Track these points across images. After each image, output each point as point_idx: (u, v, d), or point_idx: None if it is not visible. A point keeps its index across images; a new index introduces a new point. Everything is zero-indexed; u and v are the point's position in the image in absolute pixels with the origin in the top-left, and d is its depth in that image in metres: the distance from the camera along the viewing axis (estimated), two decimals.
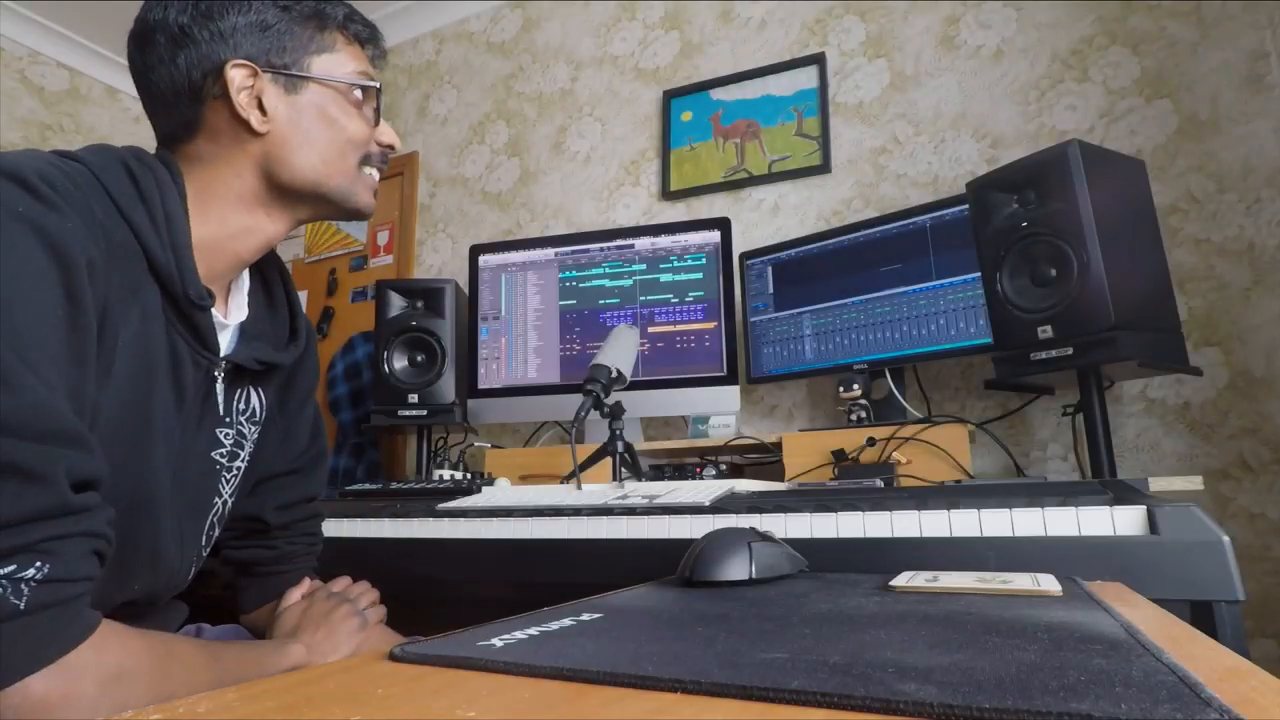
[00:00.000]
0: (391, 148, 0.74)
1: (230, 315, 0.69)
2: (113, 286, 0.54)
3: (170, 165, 0.63)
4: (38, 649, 0.44)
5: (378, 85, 0.72)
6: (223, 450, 0.70)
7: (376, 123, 0.72)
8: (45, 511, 0.44)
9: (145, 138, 0.66)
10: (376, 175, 0.74)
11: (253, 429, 0.74)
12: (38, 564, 0.43)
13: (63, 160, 0.56)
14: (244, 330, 0.70)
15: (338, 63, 0.69)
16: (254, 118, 0.64)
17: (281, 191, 0.67)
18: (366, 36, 0.73)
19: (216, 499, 0.71)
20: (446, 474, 1.50)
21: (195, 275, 0.61)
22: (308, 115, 0.67)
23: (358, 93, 0.70)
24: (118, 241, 0.55)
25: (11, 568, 0.42)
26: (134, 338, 0.57)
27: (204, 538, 0.71)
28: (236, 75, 0.64)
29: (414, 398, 1.76)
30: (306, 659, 0.69)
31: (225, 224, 0.65)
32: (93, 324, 0.51)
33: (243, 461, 0.73)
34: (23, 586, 0.43)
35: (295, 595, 0.80)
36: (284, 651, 0.67)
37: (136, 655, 0.50)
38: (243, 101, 0.64)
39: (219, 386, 0.68)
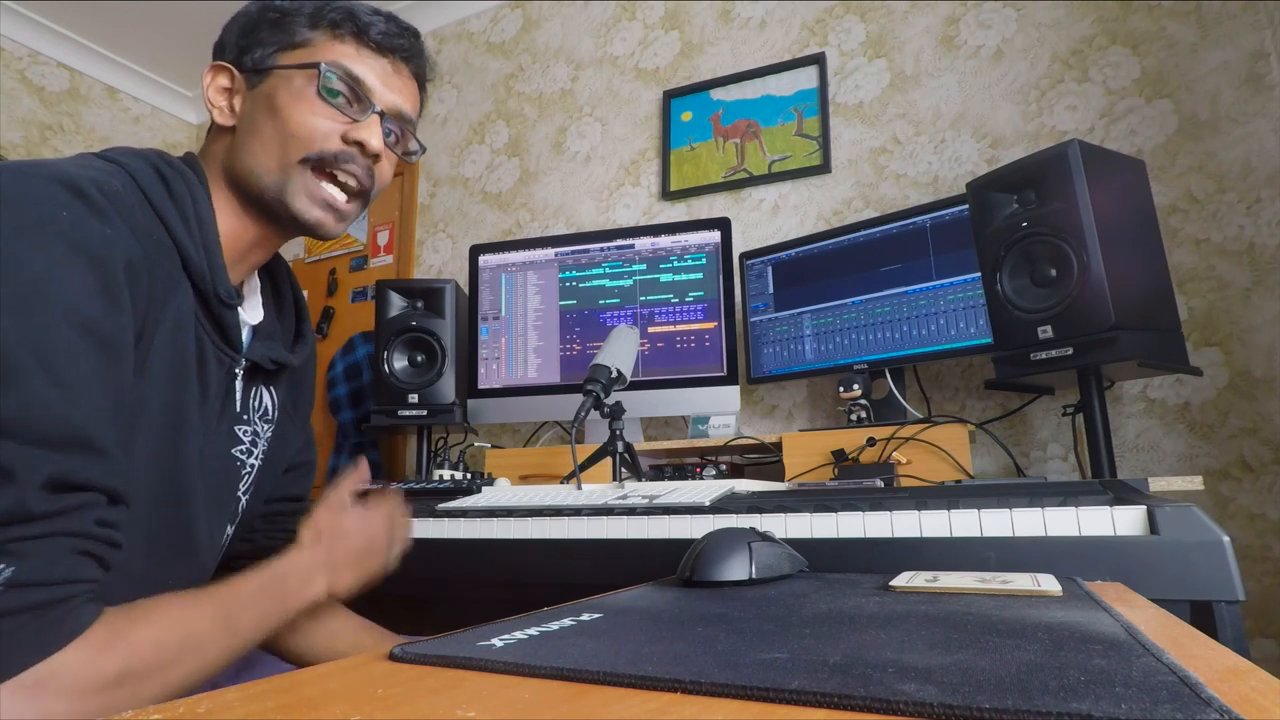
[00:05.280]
0: (361, 145, 0.65)
1: (247, 315, 0.70)
2: (155, 286, 0.55)
3: (197, 168, 0.64)
4: (6, 657, 0.42)
5: (321, 65, 0.63)
6: (242, 447, 0.71)
7: (353, 119, 0.65)
8: (9, 513, 0.43)
9: (145, 138, 0.67)
10: (332, 189, 0.66)
11: (266, 427, 0.75)
12: (0, 566, 0.42)
13: (103, 162, 0.57)
14: (257, 330, 0.72)
15: (304, 55, 0.64)
16: (215, 111, 0.66)
17: (238, 189, 0.66)
18: (354, 30, 0.65)
19: (236, 497, 0.72)
20: (446, 474, 1.50)
21: (225, 274, 0.62)
22: (260, 107, 0.64)
23: (329, 85, 0.63)
24: (155, 241, 0.56)
25: None
26: (171, 335, 0.58)
27: (224, 536, 0.71)
28: (210, 76, 0.67)
29: (414, 398, 1.76)
30: (325, 589, 0.67)
31: (226, 224, 0.66)
32: (130, 323, 0.52)
33: (256, 459, 0.74)
34: None
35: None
36: (302, 592, 0.65)
37: (141, 653, 0.48)
38: (209, 97, 0.66)
39: (238, 384, 0.69)
